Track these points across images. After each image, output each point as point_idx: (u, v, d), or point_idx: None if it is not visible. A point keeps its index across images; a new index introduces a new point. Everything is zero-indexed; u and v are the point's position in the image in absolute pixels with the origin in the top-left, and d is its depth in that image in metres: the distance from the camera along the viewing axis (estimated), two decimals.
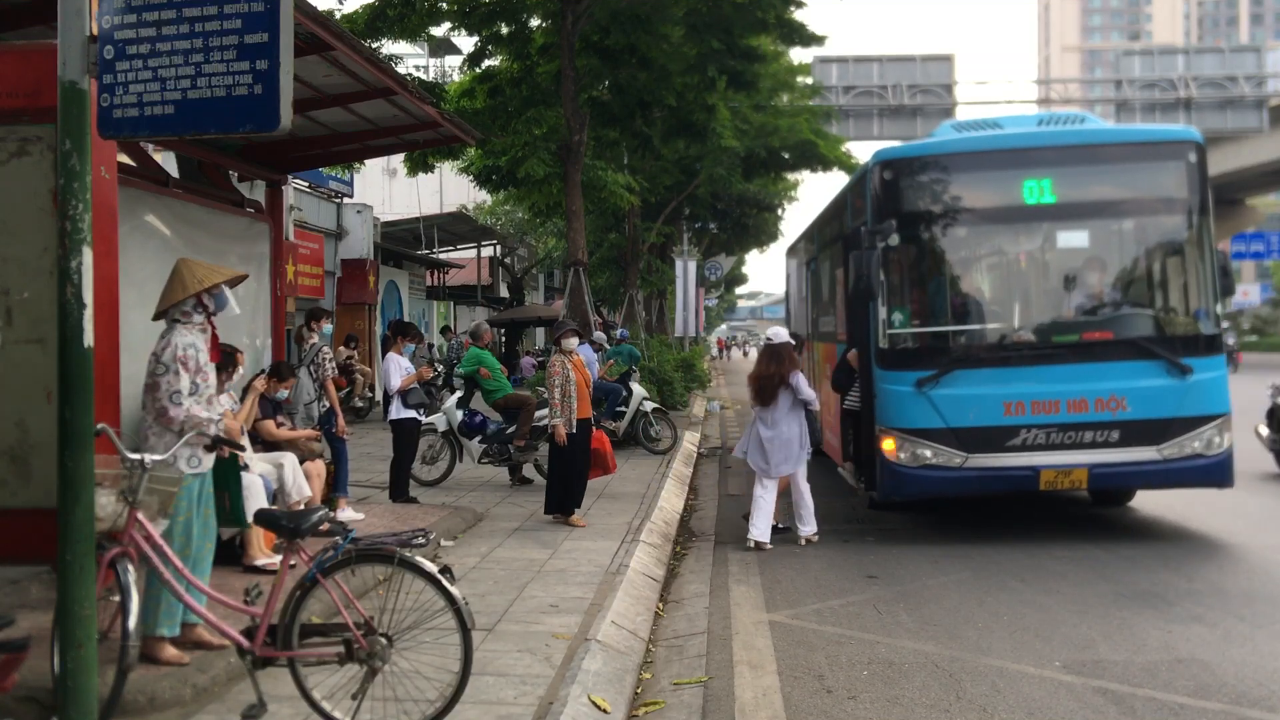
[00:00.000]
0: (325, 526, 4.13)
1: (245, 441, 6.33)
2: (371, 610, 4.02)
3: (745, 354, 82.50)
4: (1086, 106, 44.79)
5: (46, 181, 4.65)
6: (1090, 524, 8.86)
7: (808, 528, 8.32)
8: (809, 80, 27.41)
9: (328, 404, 8.30)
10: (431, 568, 3.90)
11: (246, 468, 6.27)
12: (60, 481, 3.30)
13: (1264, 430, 12.03)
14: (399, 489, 9.25)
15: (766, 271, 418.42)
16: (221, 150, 7.59)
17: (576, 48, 15.37)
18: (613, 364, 14.34)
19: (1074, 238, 8.70)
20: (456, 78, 20.48)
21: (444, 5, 15.37)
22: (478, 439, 10.76)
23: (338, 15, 14.63)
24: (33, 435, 4.66)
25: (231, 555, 6.21)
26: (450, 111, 11.58)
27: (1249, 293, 57.41)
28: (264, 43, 3.31)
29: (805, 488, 8.35)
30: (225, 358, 5.89)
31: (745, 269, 69.97)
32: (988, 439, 7.95)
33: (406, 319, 20.20)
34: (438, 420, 10.79)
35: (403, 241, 28.19)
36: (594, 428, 8.99)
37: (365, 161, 20.61)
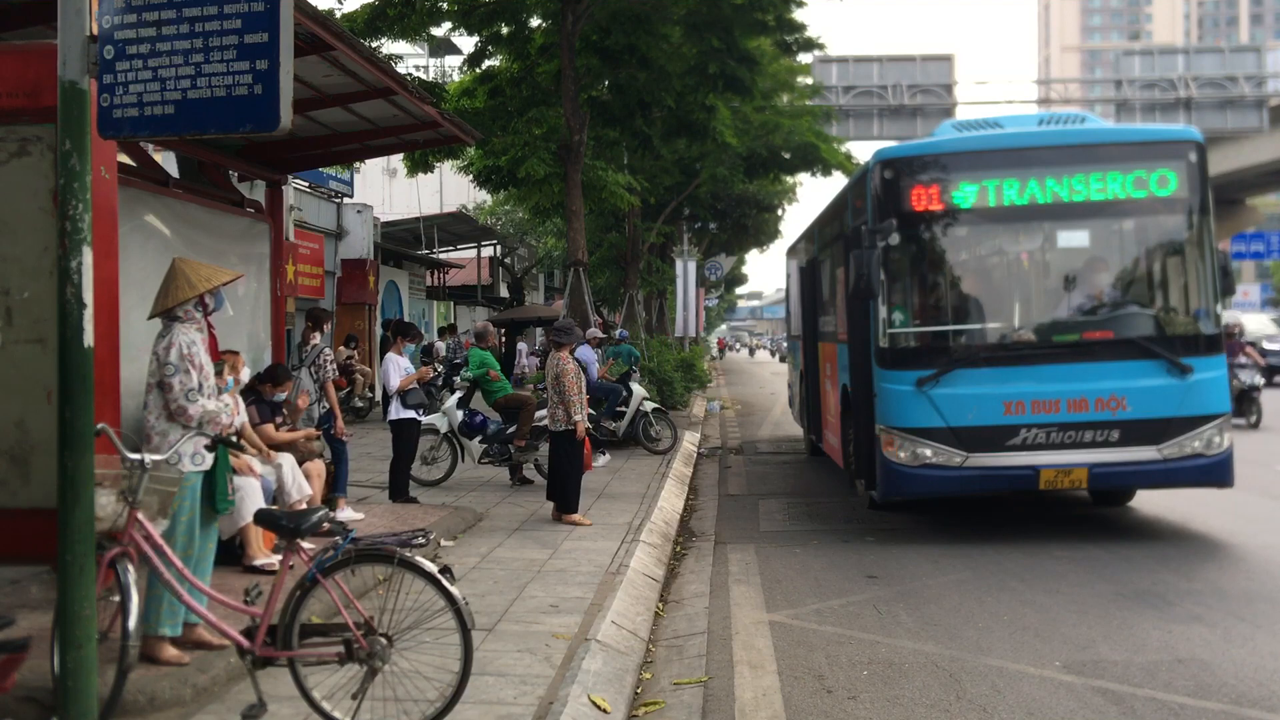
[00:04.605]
0: (325, 526, 4.13)
1: (251, 439, 6.34)
2: (371, 610, 4.02)
3: (752, 353, 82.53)
4: (1086, 106, 44.78)
5: (46, 181, 4.65)
6: (1090, 524, 8.86)
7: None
8: (809, 80, 27.38)
9: (327, 405, 8.30)
10: (431, 568, 3.90)
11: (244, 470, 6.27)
12: (60, 481, 3.30)
13: None
14: (399, 489, 9.25)
15: (766, 271, 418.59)
16: (221, 150, 7.59)
17: (576, 48, 15.36)
18: (613, 364, 14.33)
19: (1074, 237, 8.70)
20: (456, 78, 20.48)
21: (444, 5, 15.36)
22: (478, 439, 10.77)
23: (338, 15, 14.63)
24: (33, 435, 4.66)
25: (231, 555, 6.21)
26: (450, 111, 11.58)
27: (1249, 293, 57.35)
28: (264, 43, 3.31)
29: None
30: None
31: (745, 269, 69.94)
32: (988, 438, 7.95)
33: (406, 319, 20.21)
34: (438, 420, 10.79)
35: (403, 241, 28.19)
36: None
37: (365, 161, 20.65)
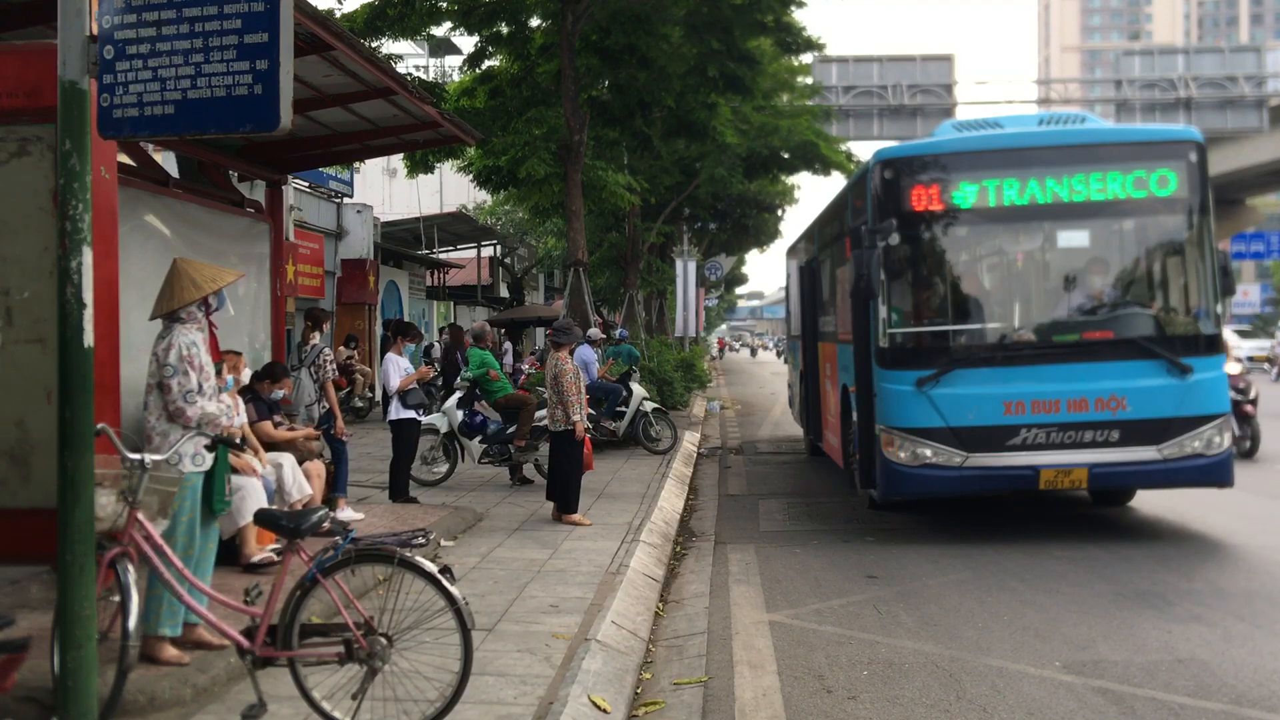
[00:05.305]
0: (325, 526, 4.13)
1: (247, 438, 6.34)
2: (371, 610, 4.02)
3: (754, 354, 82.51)
4: (1086, 106, 44.77)
5: (46, 181, 4.65)
6: (1090, 524, 8.86)
7: None
8: (809, 80, 27.39)
9: (327, 405, 8.30)
10: (431, 568, 3.90)
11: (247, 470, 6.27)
12: (60, 481, 3.30)
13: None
14: (399, 489, 9.25)
15: (766, 271, 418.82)
16: (221, 150, 7.59)
17: (576, 48, 15.36)
18: (612, 364, 14.34)
19: (1074, 237, 8.70)
20: (456, 78, 20.48)
21: (444, 5, 15.36)
22: (478, 439, 10.77)
23: (338, 15, 14.63)
24: (33, 435, 4.66)
25: (232, 555, 6.21)
26: (450, 111, 11.58)
27: (1249, 293, 57.36)
28: (264, 43, 3.31)
29: None
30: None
31: (745, 269, 69.97)
32: (988, 438, 7.95)
33: (407, 319, 20.21)
34: (438, 420, 10.78)
35: (403, 241, 28.19)
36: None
37: (365, 161, 20.65)
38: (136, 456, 4.06)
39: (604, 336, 16.35)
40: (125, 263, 5.29)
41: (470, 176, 17.40)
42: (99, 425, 3.72)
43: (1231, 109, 35.01)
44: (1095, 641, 5.56)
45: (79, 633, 3.32)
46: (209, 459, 4.71)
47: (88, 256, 3.30)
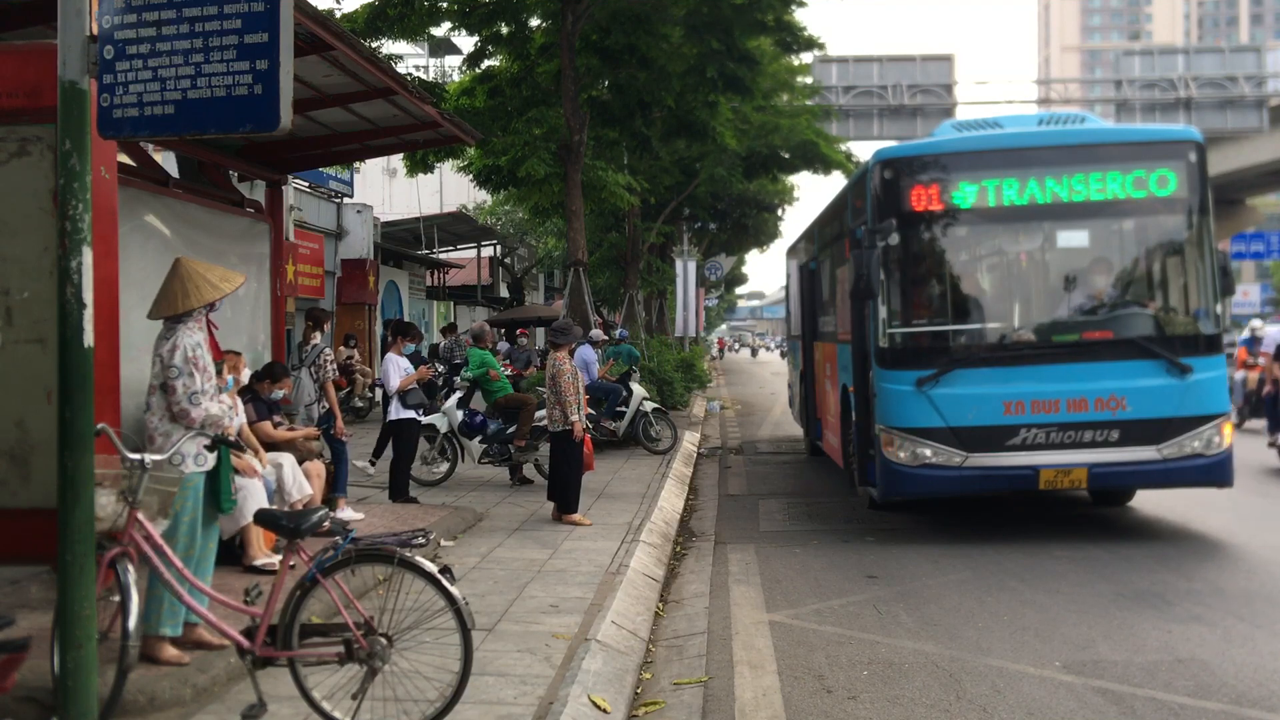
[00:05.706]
0: (325, 526, 4.13)
1: (244, 437, 6.34)
2: (371, 610, 4.02)
3: (754, 354, 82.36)
4: (1086, 106, 44.77)
5: (46, 181, 4.65)
6: (1090, 524, 8.86)
7: None
8: (809, 80, 27.39)
9: (327, 405, 8.30)
10: (431, 568, 3.90)
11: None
12: (60, 481, 3.30)
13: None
14: (399, 489, 9.25)
15: (766, 271, 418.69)
16: (221, 150, 7.59)
17: (576, 48, 15.37)
18: (613, 364, 14.34)
19: (1074, 237, 8.70)
20: (456, 78, 20.48)
21: (444, 5, 15.37)
22: (478, 439, 10.77)
23: (338, 15, 14.63)
24: (33, 435, 4.66)
25: (232, 555, 6.21)
26: (450, 111, 11.58)
27: (1249, 293, 57.31)
28: (264, 43, 3.31)
29: None
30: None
31: (745, 269, 69.92)
32: (987, 438, 7.95)
33: (407, 319, 20.22)
34: (438, 420, 10.79)
35: (403, 241, 28.21)
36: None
37: (365, 161, 20.66)
38: (136, 456, 4.06)
39: (605, 338, 16.36)
40: (125, 263, 5.28)
41: (470, 176, 17.40)
42: (99, 425, 3.72)
43: (1231, 109, 35.03)
44: (1095, 641, 5.56)
45: (79, 633, 3.32)
46: (211, 459, 4.70)
47: (88, 256, 3.31)
